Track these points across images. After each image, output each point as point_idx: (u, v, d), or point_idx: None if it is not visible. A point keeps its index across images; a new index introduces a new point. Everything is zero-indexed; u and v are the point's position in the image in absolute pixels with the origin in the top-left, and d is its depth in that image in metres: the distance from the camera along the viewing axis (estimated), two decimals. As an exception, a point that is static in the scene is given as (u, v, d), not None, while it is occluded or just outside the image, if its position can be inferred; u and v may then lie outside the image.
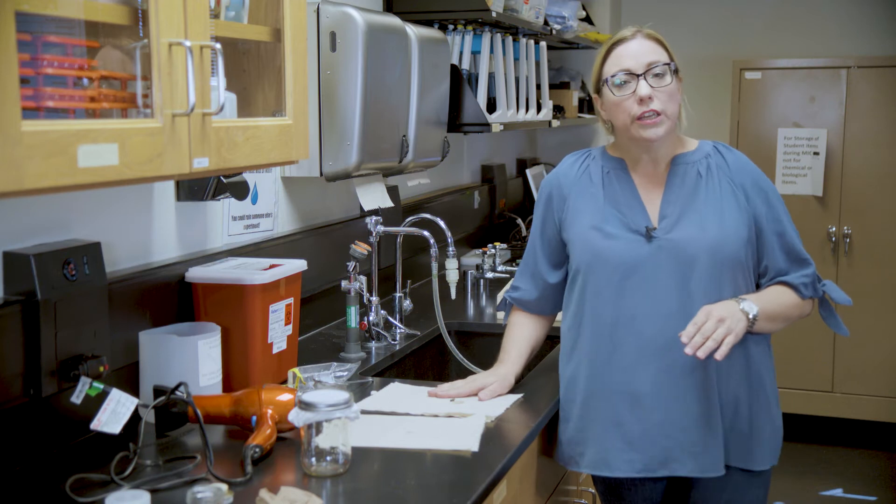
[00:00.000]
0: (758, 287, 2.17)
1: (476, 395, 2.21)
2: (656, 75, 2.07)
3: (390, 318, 2.82)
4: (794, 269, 2.15)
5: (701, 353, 1.94)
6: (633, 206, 2.14)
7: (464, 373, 2.44)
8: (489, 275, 3.59)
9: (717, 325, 1.96)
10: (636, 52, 2.08)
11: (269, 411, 1.88)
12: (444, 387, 2.22)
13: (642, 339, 2.08)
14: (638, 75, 2.07)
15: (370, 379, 2.39)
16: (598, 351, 2.14)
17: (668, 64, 2.08)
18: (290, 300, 2.31)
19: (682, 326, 2.00)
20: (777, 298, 2.13)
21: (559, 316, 2.33)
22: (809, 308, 2.19)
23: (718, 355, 1.95)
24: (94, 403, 1.75)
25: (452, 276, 2.72)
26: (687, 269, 2.07)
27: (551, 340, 2.40)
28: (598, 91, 2.16)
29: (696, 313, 2.00)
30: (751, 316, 2.03)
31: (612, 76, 2.09)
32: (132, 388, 2.00)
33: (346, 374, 2.29)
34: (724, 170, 2.14)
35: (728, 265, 2.07)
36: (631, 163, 2.19)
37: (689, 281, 2.07)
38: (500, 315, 2.43)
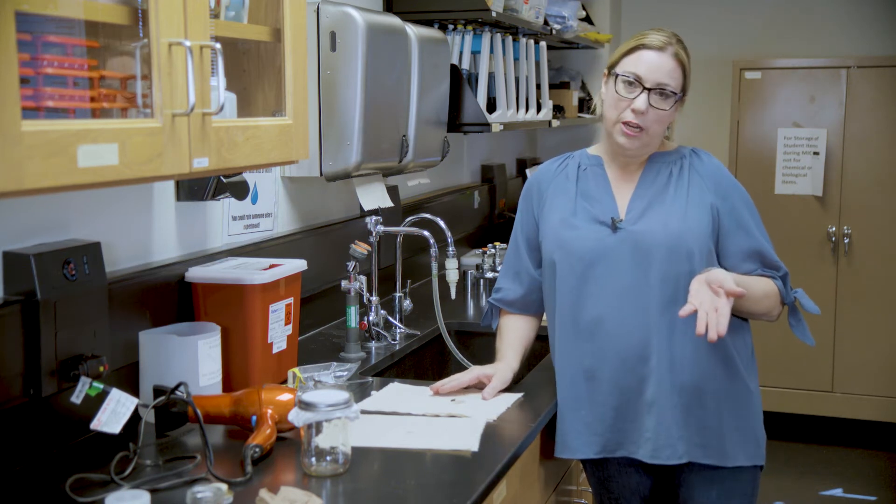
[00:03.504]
0: None
1: (477, 384, 2.24)
2: (661, 96, 2.10)
3: (390, 318, 2.82)
4: (766, 268, 2.18)
5: (711, 333, 1.94)
6: (603, 199, 2.20)
7: (464, 373, 2.44)
8: (489, 275, 3.59)
9: (712, 299, 1.97)
10: (657, 66, 2.10)
11: (269, 411, 1.88)
12: (445, 381, 2.23)
13: (601, 327, 2.14)
14: (645, 87, 2.09)
15: (370, 379, 2.39)
16: (564, 338, 2.20)
17: (676, 94, 2.11)
18: (290, 300, 2.31)
19: (638, 315, 2.11)
20: (752, 281, 2.15)
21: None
22: (777, 311, 2.20)
23: (720, 329, 1.94)
24: (94, 403, 1.75)
25: (452, 276, 2.72)
26: (646, 261, 2.11)
27: (548, 340, 2.39)
28: (609, 73, 2.18)
29: (659, 298, 2.08)
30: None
31: (625, 74, 2.11)
32: (132, 388, 2.00)
33: (346, 374, 2.29)
34: (698, 172, 2.19)
35: (686, 259, 2.10)
36: (607, 158, 2.24)
37: (648, 272, 2.11)
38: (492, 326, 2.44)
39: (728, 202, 2.16)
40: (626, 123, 2.11)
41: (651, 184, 2.18)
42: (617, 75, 2.13)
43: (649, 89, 2.09)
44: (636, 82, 2.10)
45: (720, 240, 2.16)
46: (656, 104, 2.09)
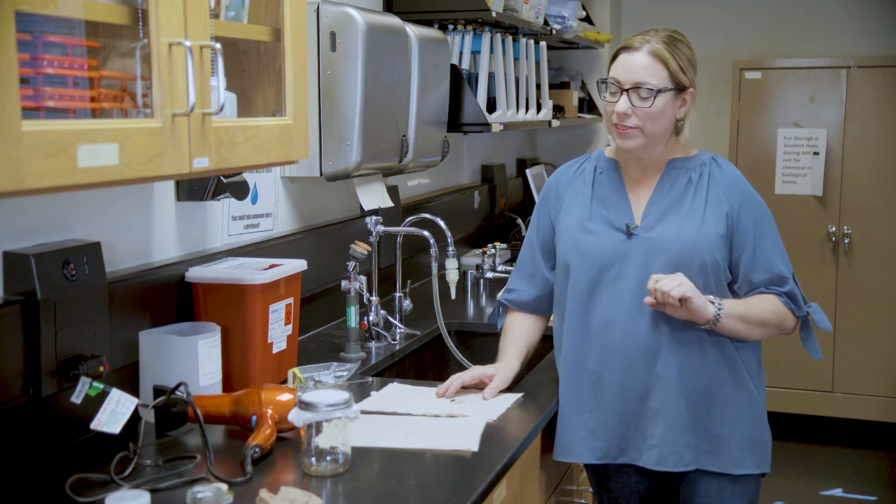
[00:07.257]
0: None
1: (478, 383, 2.24)
2: (641, 97, 2.09)
3: (390, 318, 2.82)
4: (771, 284, 2.17)
5: (649, 299, 2.04)
6: (619, 204, 2.19)
7: (464, 373, 2.44)
8: (489, 275, 3.59)
9: (677, 286, 2.01)
10: (633, 66, 2.10)
11: (269, 411, 1.88)
12: (447, 383, 2.23)
13: (609, 331, 2.14)
14: (623, 90, 2.10)
15: (370, 379, 2.39)
16: (571, 341, 2.20)
17: (659, 90, 2.09)
18: (290, 300, 2.31)
19: (647, 321, 2.11)
20: (752, 302, 2.15)
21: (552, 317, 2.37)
22: (791, 324, 2.20)
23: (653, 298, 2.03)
24: (94, 403, 1.75)
25: (452, 276, 2.72)
26: (659, 268, 2.10)
27: (551, 341, 2.40)
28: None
29: (663, 311, 2.07)
30: (716, 303, 2.06)
31: (608, 80, 2.14)
32: (132, 388, 2.00)
33: (346, 374, 2.29)
34: (717, 181, 2.18)
35: (699, 267, 2.10)
36: (623, 163, 2.24)
37: None
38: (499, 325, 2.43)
39: (744, 213, 2.15)
40: (616, 125, 2.13)
41: (668, 190, 2.17)
42: (605, 82, 2.15)
43: (627, 90, 2.10)
44: (616, 86, 2.11)
45: (733, 251, 2.15)
46: (638, 104, 2.09)
